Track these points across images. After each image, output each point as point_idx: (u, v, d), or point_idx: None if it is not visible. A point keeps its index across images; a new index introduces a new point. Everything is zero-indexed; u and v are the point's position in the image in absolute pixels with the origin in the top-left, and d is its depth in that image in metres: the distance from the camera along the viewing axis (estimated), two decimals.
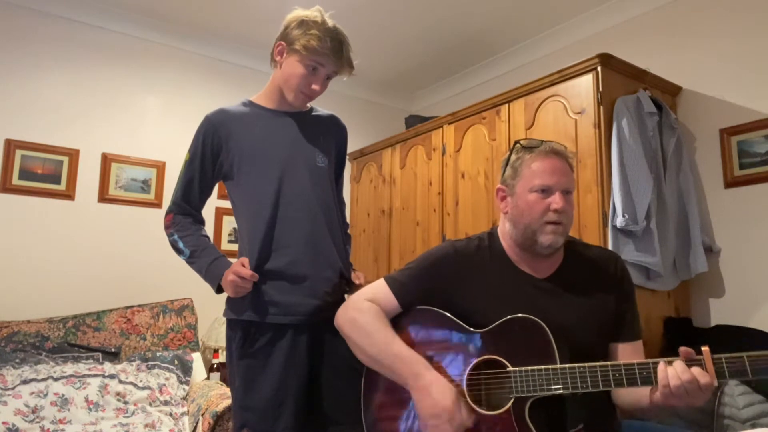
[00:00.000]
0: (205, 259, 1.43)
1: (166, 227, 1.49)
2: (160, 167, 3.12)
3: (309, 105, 1.58)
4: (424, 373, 1.12)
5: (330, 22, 1.42)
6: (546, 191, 1.18)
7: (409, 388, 1.13)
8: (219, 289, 1.43)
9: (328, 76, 1.46)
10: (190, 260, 1.46)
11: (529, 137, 2.42)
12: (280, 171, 1.44)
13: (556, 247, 1.19)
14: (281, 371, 1.36)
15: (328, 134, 1.57)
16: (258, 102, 1.53)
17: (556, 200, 1.17)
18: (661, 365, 0.99)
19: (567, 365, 1.05)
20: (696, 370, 0.96)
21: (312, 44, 1.38)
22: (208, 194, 1.54)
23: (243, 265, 1.37)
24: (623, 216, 2.02)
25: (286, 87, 1.46)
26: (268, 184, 1.43)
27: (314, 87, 1.43)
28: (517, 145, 1.26)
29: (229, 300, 1.45)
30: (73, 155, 2.86)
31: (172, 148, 3.17)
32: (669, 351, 2.07)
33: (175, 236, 1.47)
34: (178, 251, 1.47)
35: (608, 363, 1.03)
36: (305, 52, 1.39)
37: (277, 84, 1.49)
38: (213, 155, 1.46)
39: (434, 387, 1.09)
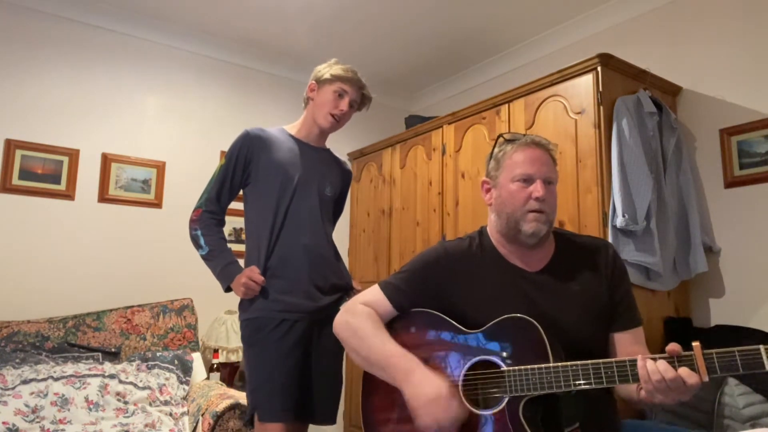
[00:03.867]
0: (221, 261, 1.66)
1: (192, 221, 1.71)
2: (160, 167, 3.12)
3: (327, 146, 1.88)
4: (416, 369, 1.12)
5: (352, 66, 1.77)
6: (527, 180, 1.21)
7: (401, 385, 1.12)
8: (228, 289, 1.67)
9: (352, 103, 1.75)
10: (207, 257, 1.68)
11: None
12: (293, 187, 1.69)
13: (540, 236, 1.20)
14: (285, 358, 1.59)
15: (338, 174, 1.87)
16: (290, 131, 1.81)
17: (537, 188, 1.19)
18: (640, 362, 0.98)
19: (560, 364, 1.05)
20: (683, 370, 0.95)
21: (339, 72, 1.73)
22: (234, 197, 1.77)
23: (254, 272, 1.62)
24: (623, 216, 2.02)
25: (318, 113, 1.75)
26: (282, 196, 1.68)
27: (342, 107, 1.73)
28: (500, 138, 1.29)
29: (241, 304, 1.69)
30: (73, 155, 2.86)
31: (172, 148, 3.17)
32: None
33: (199, 232, 1.69)
34: (198, 246, 1.69)
35: (600, 360, 1.03)
36: (333, 78, 1.73)
37: (309, 117, 1.79)
38: (245, 164, 1.71)
39: (427, 380, 1.09)
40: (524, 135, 1.27)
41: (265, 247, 1.66)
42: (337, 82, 1.73)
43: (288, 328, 1.62)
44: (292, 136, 1.79)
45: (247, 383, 1.64)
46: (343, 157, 1.97)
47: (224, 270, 1.65)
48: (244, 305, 1.68)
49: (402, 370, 1.13)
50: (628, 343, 1.21)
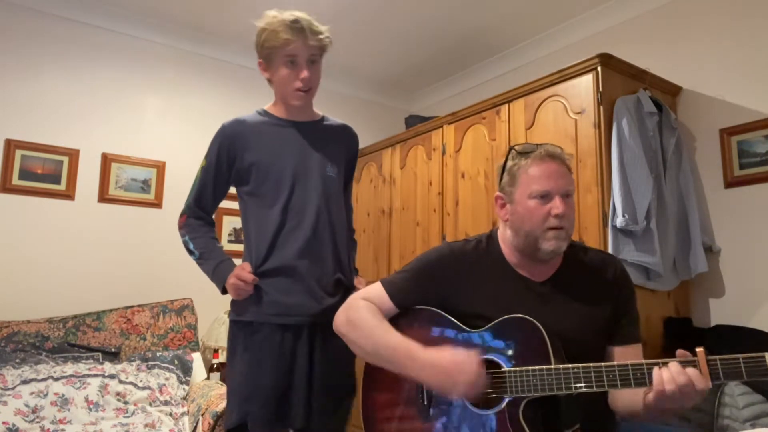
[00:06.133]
0: (212, 261, 1.51)
1: (180, 227, 1.58)
2: (160, 167, 3.12)
3: (321, 114, 1.64)
4: (421, 351, 1.11)
5: (281, 15, 1.45)
6: (545, 197, 1.16)
7: (410, 370, 1.11)
8: (224, 290, 1.50)
9: (310, 60, 1.47)
10: (200, 261, 1.54)
11: (528, 139, 2.42)
12: (291, 181, 1.50)
13: (560, 252, 1.18)
14: (281, 363, 1.42)
15: (340, 143, 1.63)
16: (271, 111, 1.58)
17: (556, 205, 1.15)
18: (656, 369, 0.97)
19: (561, 366, 1.05)
20: (692, 372, 0.94)
21: (272, 43, 1.44)
22: (221, 199, 1.61)
23: (244, 270, 1.45)
24: (623, 216, 2.02)
25: (283, 93, 1.52)
26: (279, 194, 1.49)
27: (303, 76, 1.45)
28: (513, 150, 1.24)
29: (233, 302, 1.51)
30: (73, 155, 2.86)
31: (172, 148, 3.17)
32: (669, 351, 2.06)
33: (187, 237, 1.55)
34: (189, 252, 1.56)
35: (602, 364, 1.03)
36: (273, 52, 1.45)
37: (279, 97, 1.56)
38: (228, 164, 1.53)
39: (436, 355, 1.09)
40: (537, 146, 1.21)
41: (263, 248, 1.48)
42: (279, 53, 1.44)
43: (287, 334, 1.43)
44: (276, 117, 1.56)
45: (234, 390, 1.46)
46: None
47: (216, 270, 1.50)
48: (239, 305, 1.49)
49: (407, 356, 1.12)
50: (626, 358, 1.18)
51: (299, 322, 1.44)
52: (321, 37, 1.46)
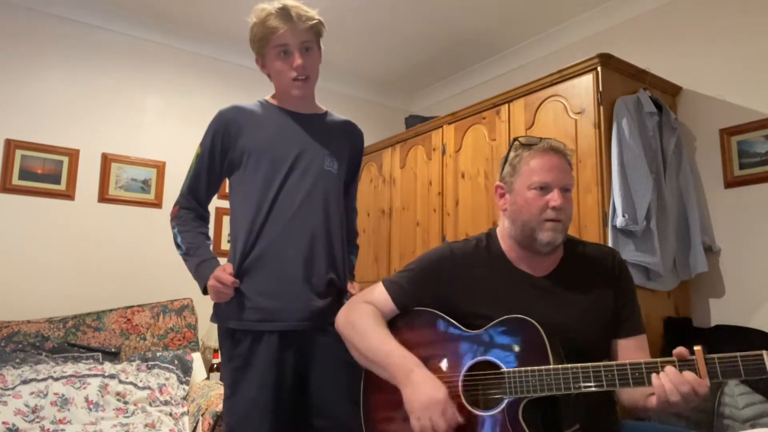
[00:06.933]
0: (196, 259, 1.42)
1: (171, 219, 1.51)
2: (160, 167, 3.12)
3: (324, 108, 1.59)
4: (416, 370, 1.11)
5: (270, 5, 1.42)
6: (545, 188, 1.18)
7: (400, 385, 1.11)
8: (205, 291, 1.41)
9: (304, 48, 1.42)
10: (185, 257, 1.46)
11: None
12: (285, 170, 1.42)
13: (556, 245, 1.19)
14: (265, 376, 1.33)
15: (342, 139, 1.56)
16: (273, 102, 1.52)
17: (554, 197, 1.16)
18: (655, 377, 0.97)
19: (560, 366, 1.05)
20: (690, 377, 0.94)
21: (261, 34, 1.41)
22: (215, 190, 1.54)
23: (225, 271, 1.36)
24: (623, 216, 2.02)
25: (282, 86, 1.47)
26: (270, 185, 1.40)
27: (296, 64, 1.41)
28: (516, 142, 1.26)
29: (215, 305, 1.44)
30: (73, 155, 2.86)
31: (172, 148, 3.17)
32: (669, 351, 2.06)
33: (176, 230, 1.48)
34: (177, 246, 1.48)
35: (600, 364, 1.03)
36: (265, 45, 1.42)
37: (279, 90, 1.51)
38: (222, 151, 1.46)
39: (426, 382, 1.09)
40: (540, 139, 1.23)
41: (243, 242, 1.39)
42: (270, 45, 1.41)
43: (272, 342, 1.35)
44: (276, 107, 1.50)
45: (225, 397, 1.40)
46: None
47: (198, 269, 1.40)
48: (220, 308, 1.42)
49: (401, 369, 1.12)
50: (630, 350, 1.20)
51: (285, 328, 1.35)
52: (309, 20, 1.41)
